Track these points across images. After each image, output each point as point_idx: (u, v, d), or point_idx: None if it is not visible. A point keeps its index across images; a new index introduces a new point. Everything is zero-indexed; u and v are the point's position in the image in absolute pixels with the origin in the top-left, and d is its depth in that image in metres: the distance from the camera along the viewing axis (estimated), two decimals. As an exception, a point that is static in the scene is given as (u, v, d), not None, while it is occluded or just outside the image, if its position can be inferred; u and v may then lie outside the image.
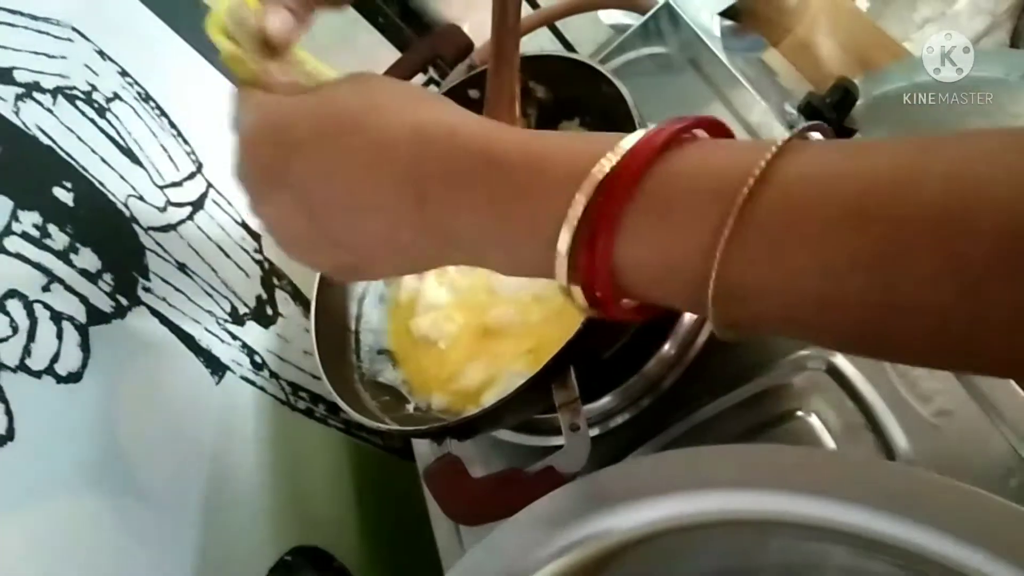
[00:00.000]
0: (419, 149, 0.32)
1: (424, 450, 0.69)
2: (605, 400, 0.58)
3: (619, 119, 0.53)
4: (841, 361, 0.49)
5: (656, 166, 0.27)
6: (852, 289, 0.24)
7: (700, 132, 0.30)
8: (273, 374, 0.70)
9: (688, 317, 0.57)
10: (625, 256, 0.28)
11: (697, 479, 0.32)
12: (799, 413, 0.50)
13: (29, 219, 0.52)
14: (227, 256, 0.71)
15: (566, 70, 0.59)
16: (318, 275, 0.64)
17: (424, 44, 0.66)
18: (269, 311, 0.74)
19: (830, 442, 0.49)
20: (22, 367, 0.47)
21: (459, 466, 0.47)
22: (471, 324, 0.61)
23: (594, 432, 0.57)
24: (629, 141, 0.28)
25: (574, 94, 0.61)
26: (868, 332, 0.25)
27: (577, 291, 0.29)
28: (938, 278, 0.22)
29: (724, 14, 0.75)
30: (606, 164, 0.27)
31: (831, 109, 0.59)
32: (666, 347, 0.57)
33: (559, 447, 0.45)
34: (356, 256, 0.36)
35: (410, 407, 0.61)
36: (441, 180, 0.31)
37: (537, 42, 1.19)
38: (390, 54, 1.11)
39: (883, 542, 0.29)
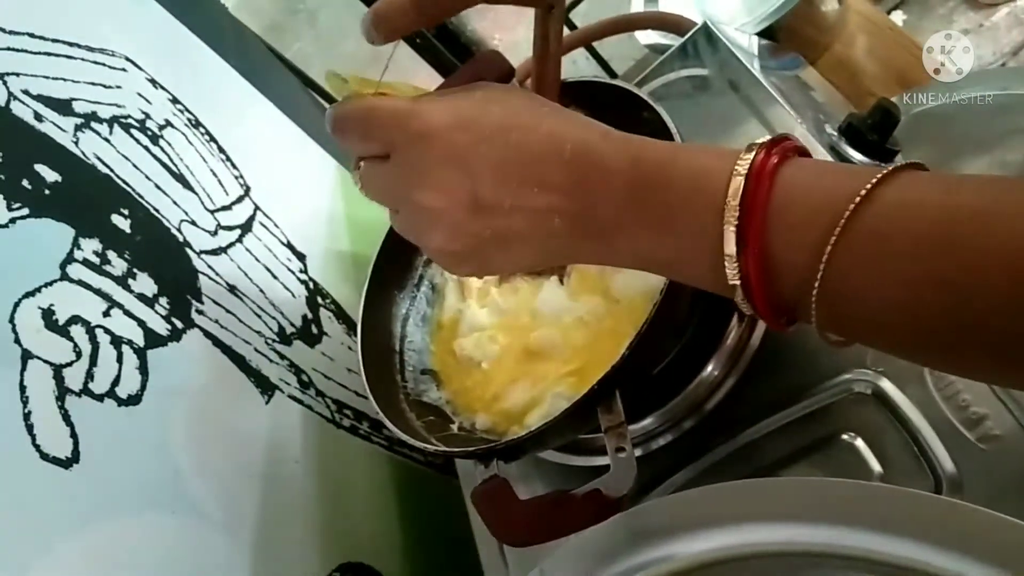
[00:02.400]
0: (582, 149, 0.36)
1: (469, 470, 0.70)
2: (648, 421, 0.58)
3: (660, 143, 0.53)
4: (887, 385, 0.49)
5: (776, 180, 0.32)
6: (930, 301, 0.28)
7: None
8: (319, 392, 0.72)
9: (731, 338, 0.57)
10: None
11: (747, 511, 0.33)
12: (844, 436, 0.51)
13: (90, 246, 0.54)
14: (274, 277, 0.72)
15: (607, 95, 0.60)
16: (364, 294, 0.65)
17: (467, 69, 0.67)
18: (315, 330, 0.75)
19: (876, 466, 0.49)
20: (86, 391, 0.49)
21: (507, 488, 0.47)
22: (514, 345, 0.62)
23: (637, 453, 0.57)
24: (748, 158, 0.32)
25: (615, 118, 0.61)
26: (940, 343, 0.29)
27: (738, 293, 0.33)
28: (1007, 304, 0.26)
29: (762, 34, 0.76)
30: (738, 181, 0.32)
31: (872, 130, 0.59)
32: (709, 368, 0.57)
33: (603, 467, 0.45)
34: (505, 242, 0.39)
35: (454, 427, 0.61)
36: (596, 177, 0.36)
37: (572, 57, 1.20)
38: (427, 74, 1.13)
39: (929, 574, 0.29)
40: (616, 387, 0.47)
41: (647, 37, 0.90)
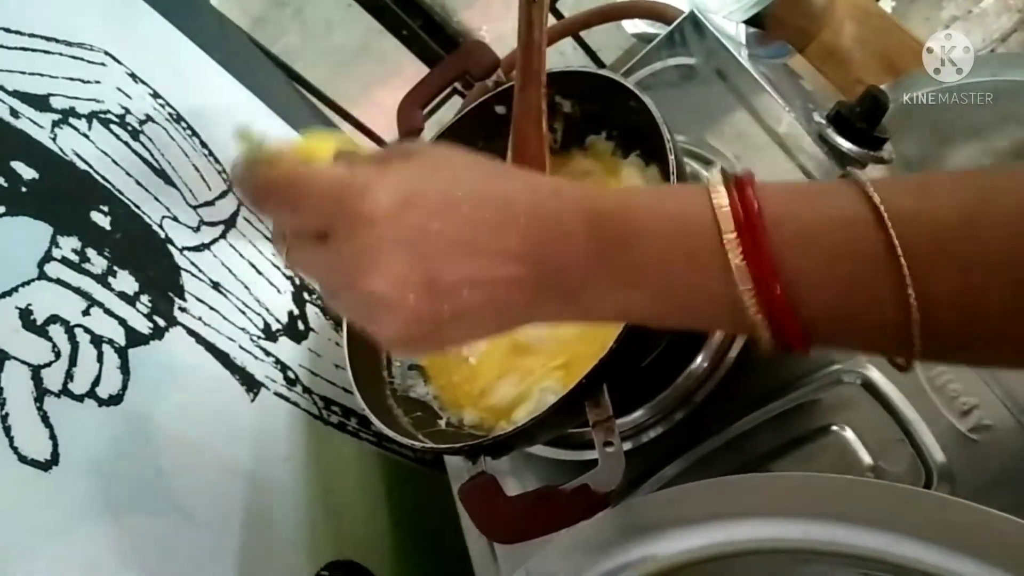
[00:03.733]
0: (534, 211, 0.35)
1: (457, 466, 0.69)
2: (638, 414, 0.58)
3: (647, 132, 0.53)
4: (876, 375, 0.49)
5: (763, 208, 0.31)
6: (941, 319, 0.28)
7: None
8: (306, 389, 0.71)
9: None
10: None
11: (736, 507, 0.32)
12: (834, 428, 0.50)
13: (68, 244, 0.53)
14: (259, 273, 0.72)
15: (593, 85, 0.59)
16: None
17: (452, 61, 0.67)
18: (301, 326, 0.75)
19: (866, 457, 0.49)
20: (65, 391, 0.48)
21: (494, 485, 0.47)
22: (501, 340, 0.61)
23: (627, 446, 0.57)
24: (719, 199, 0.32)
25: (601, 108, 0.61)
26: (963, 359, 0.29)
27: (761, 324, 0.31)
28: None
29: (749, 22, 0.75)
30: (727, 220, 0.31)
31: (861, 118, 0.59)
32: (698, 360, 0.57)
33: (592, 461, 0.45)
34: (460, 320, 0.36)
35: (442, 422, 0.61)
36: (557, 238, 0.34)
37: (559, 48, 1.19)
38: (413, 65, 1.12)
39: (919, 570, 0.29)
40: (603, 381, 0.47)
41: (634, 26, 0.89)
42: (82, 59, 0.62)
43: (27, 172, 0.52)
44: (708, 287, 0.32)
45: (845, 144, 0.59)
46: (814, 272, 0.30)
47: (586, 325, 0.57)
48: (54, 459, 0.45)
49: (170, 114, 0.69)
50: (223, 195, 0.71)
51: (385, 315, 0.36)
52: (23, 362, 0.46)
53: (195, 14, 0.81)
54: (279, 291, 0.74)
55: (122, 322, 0.54)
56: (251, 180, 0.36)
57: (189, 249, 0.64)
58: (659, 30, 0.81)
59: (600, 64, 1.33)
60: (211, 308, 0.63)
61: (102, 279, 0.54)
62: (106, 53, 0.65)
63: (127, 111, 0.64)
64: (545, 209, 0.34)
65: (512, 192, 0.35)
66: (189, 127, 0.71)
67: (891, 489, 0.30)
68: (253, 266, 0.71)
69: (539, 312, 0.36)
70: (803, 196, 0.32)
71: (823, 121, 0.61)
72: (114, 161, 0.60)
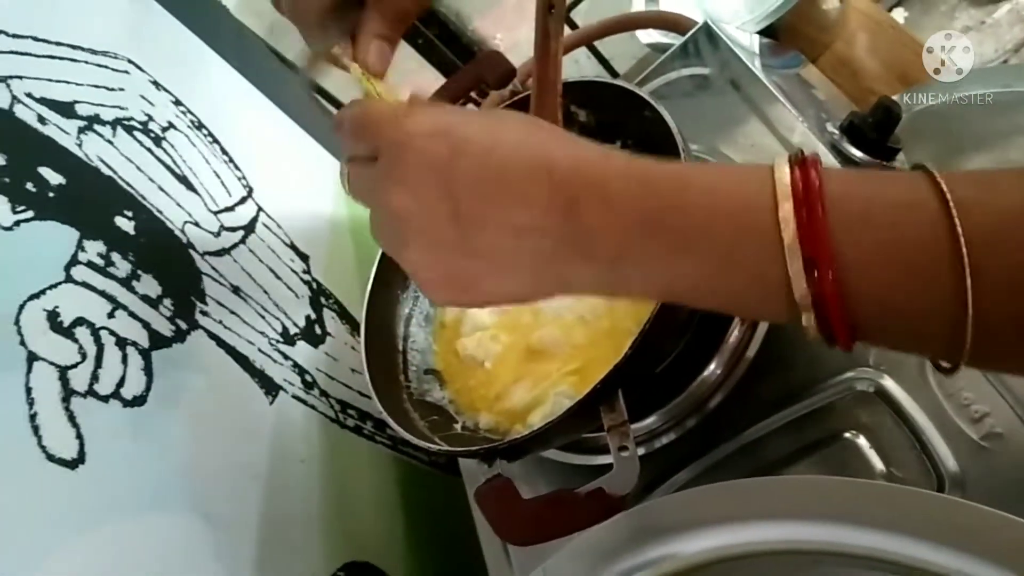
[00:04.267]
0: (575, 167, 0.34)
1: (473, 469, 0.70)
2: (651, 419, 0.58)
3: (661, 142, 0.54)
4: (889, 383, 0.49)
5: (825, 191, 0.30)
6: (996, 316, 0.27)
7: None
8: (323, 392, 0.72)
9: (734, 337, 0.57)
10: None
11: (749, 510, 0.33)
12: (847, 434, 0.51)
13: (94, 248, 0.54)
14: (278, 278, 0.73)
15: (608, 95, 0.60)
16: (368, 294, 0.65)
17: (469, 70, 0.68)
18: (318, 330, 0.75)
19: (878, 464, 0.49)
20: (91, 392, 0.49)
21: (510, 488, 0.48)
22: (516, 345, 0.62)
23: (640, 451, 0.57)
24: (782, 174, 0.31)
25: (616, 118, 0.62)
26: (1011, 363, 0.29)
27: (807, 310, 0.30)
28: None
29: (763, 32, 0.76)
30: (785, 193, 0.30)
31: (873, 129, 0.59)
32: (712, 366, 0.57)
33: (606, 466, 0.45)
34: (481, 260, 0.37)
35: (458, 426, 0.62)
36: (592, 199, 0.33)
37: (574, 56, 1.20)
38: (430, 74, 1.13)
39: (931, 572, 0.29)
40: (618, 386, 0.48)
41: (648, 36, 0.90)
42: (107, 67, 0.64)
43: (54, 178, 0.53)
44: (757, 264, 0.31)
45: (858, 154, 0.59)
46: (870, 255, 0.29)
47: (614, 301, 0.58)
48: (81, 458, 0.46)
49: (192, 121, 0.71)
50: (243, 200, 0.72)
51: (412, 236, 0.38)
52: (51, 363, 0.47)
53: (215, 22, 0.83)
54: (297, 296, 0.75)
55: (146, 325, 0.55)
56: (336, 114, 0.40)
57: (210, 254, 0.65)
58: (673, 40, 0.82)
59: (614, 73, 1.34)
60: (231, 312, 0.64)
61: (126, 283, 0.55)
62: (129, 61, 0.66)
63: (150, 118, 0.66)
64: (587, 166, 0.34)
65: (554, 149, 0.35)
66: (210, 134, 0.72)
67: (903, 492, 0.30)
68: (272, 271, 0.72)
69: (569, 273, 0.36)
70: (866, 179, 0.31)
71: (836, 131, 0.61)
72: (137, 167, 0.62)
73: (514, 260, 0.36)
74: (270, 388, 0.65)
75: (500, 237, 0.35)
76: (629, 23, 0.84)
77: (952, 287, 0.27)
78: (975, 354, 0.29)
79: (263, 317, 0.68)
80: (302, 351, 0.72)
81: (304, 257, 0.78)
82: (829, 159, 0.60)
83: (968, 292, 0.27)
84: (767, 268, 0.30)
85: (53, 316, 0.49)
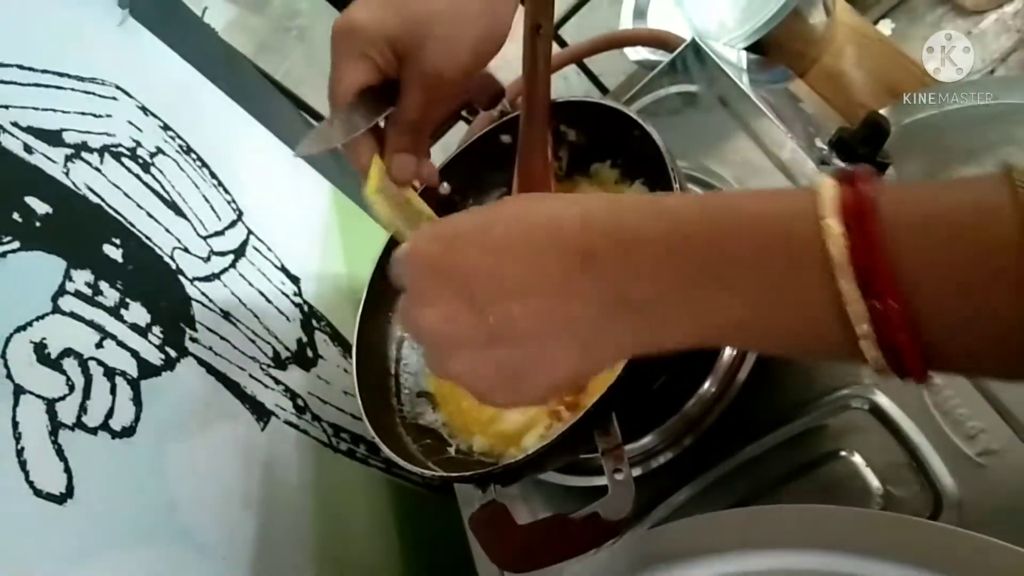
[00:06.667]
0: (583, 221, 0.33)
1: (468, 492, 0.69)
2: (646, 440, 0.58)
3: (650, 159, 0.53)
4: (884, 400, 0.49)
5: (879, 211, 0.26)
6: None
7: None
8: (315, 417, 0.72)
9: (727, 355, 0.57)
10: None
11: (746, 539, 0.33)
12: (842, 453, 0.50)
13: (82, 278, 0.53)
14: (268, 301, 0.72)
15: (597, 114, 0.60)
16: (359, 316, 0.65)
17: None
18: (310, 353, 0.75)
19: (874, 482, 0.49)
20: (79, 424, 0.48)
21: (504, 514, 0.47)
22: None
23: (636, 472, 0.57)
24: (827, 198, 0.27)
25: (605, 137, 0.62)
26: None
27: (871, 343, 0.27)
28: None
29: (751, 48, 0.76)
30: (835, 228, 0.26)
31: (862, 144, 0.59)
32: (706, 385, 0.57)
33: (603, 487, 0.45)
34: (522, 348, 0.34)
35: (451, 449, 0.61)
36: (610, 245, 0.32)
37: (563, 73, 1.20)
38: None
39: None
40: (612, 408, 0.47)
41: (636, 53, 0.91)
42: (94, 93, 0.63)
43: (41, 207, 0.53)
44: (810, 299, 0.27)
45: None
46: (934, 266, 0.25)
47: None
48: (69, 492, 0.46)
49: (180, 146, 0.70)
50: (233, 224, 0.72)
51: (448, 349, 0.36)
52: (38, 396, 0.47)
53: (203, 45, 0.83)
54: (288, 319, 0.74)
55: (134, 354, 0.55)
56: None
57: (199, 279, 0.65)
58: (661, 57, 0.82)
59: (603, 89, 1.34)
60: (221, 338, 0.64)
61: (115, 311, 0.55)
62: (117, 87, 0.66)
63: (138, 144, 0.65)
64: (596, 219, 0.32)
65: (554, 211, 0.34)
66: (199, 158, 0.72)
67: (900, 520, 0.30)
68: (262, 295, 0.72)
69: (616, 330, 0.33)
70: (922, 187, 0.27)
71: (825, 147, 0.61)
72: (126, 194, 0.61)
73: (554, 336, 0.33)
74: (261, 414, 0.65)
75: (529, 316, 0.33)
76: (618, 41, 0.85)
77: None
78: None
79: (254, 342, 0.68)
80: (293, 375, 0.71)
81: (295, 279, 0.78)
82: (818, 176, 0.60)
83: None
84: (821, 300, 0.27)
85: (40, 348, 0.48)
